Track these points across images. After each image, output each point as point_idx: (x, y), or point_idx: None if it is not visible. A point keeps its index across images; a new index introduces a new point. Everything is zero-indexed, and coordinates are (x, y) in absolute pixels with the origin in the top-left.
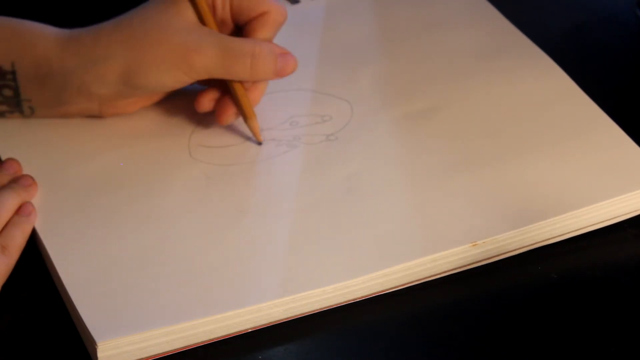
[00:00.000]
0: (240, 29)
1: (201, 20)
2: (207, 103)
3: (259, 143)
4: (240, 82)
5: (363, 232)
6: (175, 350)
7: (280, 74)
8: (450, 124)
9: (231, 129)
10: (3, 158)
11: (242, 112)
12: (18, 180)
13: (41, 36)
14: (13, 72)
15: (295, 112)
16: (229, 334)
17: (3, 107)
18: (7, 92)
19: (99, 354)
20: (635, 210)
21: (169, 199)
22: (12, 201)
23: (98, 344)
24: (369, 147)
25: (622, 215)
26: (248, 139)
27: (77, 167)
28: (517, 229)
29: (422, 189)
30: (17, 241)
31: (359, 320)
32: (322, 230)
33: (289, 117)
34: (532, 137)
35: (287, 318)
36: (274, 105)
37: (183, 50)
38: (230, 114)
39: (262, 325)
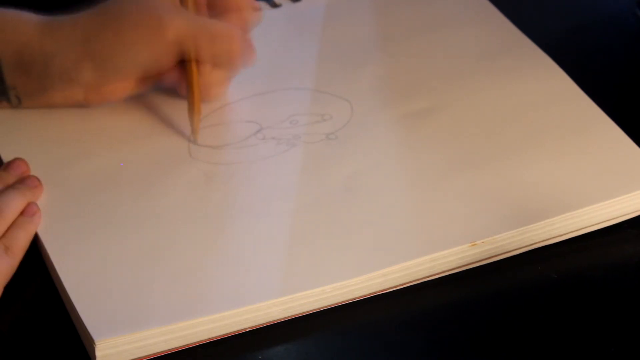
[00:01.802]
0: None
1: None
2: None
3: (194, 141)
4: (198, 65)
5: (362, 232)
6: (173, 349)
7: (240, 61)
8: (450, 123)
9: (231, 128)
10: (3, 156)
11: (189, 101)
12: (24, 181)
13: (23, 23)
14: None
15: (296, 111)
16: (228, 333)
17: None
18: None
19: (97, 353)
20: (635, 211)
21: (169, 198)
22: (17, 202)
23: (96, 343)
24: (369, 146)
25: (622, 215)
26: (248, 137)
27: (77, 166)
28: (516, 229)
29: (422, 189)
30: (21, 242)
31: (358, 319)
32: (321, 230)
33: (289, 115)
34: (532, 137)
35: (286, 317)
36: (274, 104)
37: (157, 25)
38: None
39: (261, 324)
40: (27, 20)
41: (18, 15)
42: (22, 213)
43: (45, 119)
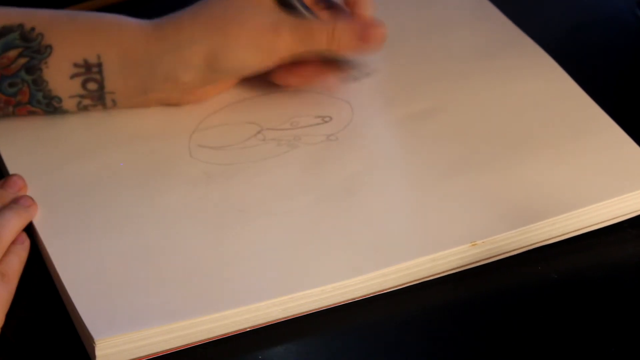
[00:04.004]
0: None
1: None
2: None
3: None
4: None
5: (362, 232)
6: (173, 349)
7: (365, 42)
8: (450, 124)
9: (232, 129)
10: (4, 156)
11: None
12: (18, 201)
13: (125, 27)
14: (99, 65)
15: (296, 113)
16: (228, 333)
17: (87, 101)
18: (92, 86)
19: (97, 352)
20: (635, 211)
21: (169, 198)
22: (14, 223)
23: (96, 342)
24: (369, 147)
25: (622, 215)
26: (248, 138)
27: (77, 166)
28: (516, 229)
29: (422, 189)
30: (15, 267)
31: (358, 319)
32: (321, 230)
33: (290, 117)
34: (533, 137)
35: (286, 317)
36: (275, 106)
37: (263, 31)
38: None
39: (261, 324)
40: (128, 23)
41: (118, 19)
42: (14, 241)
43: (47, 119)
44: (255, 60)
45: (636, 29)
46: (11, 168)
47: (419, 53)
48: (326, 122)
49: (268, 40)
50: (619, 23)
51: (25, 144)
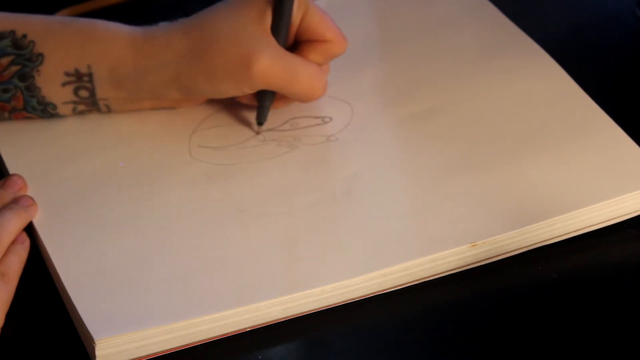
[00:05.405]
0: (296, 42)
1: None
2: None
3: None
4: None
5: (362, 232)
6: (173, 349)
7: (323, 93)
8: (450, 124)
9: (232, 130)
10: (4, 156)
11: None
12: (18, 201)
13: (116, 38)
14: (89, 75)
15: (296, 114)
16: (228, 333)
17: (81, 107)
18: (84, 93)
19: (97, 352)
20: (635, 211)
21: (169, 198)
22: (14, 223)
23: (96, 342)
24: (369, 148)
25: (622, 215)
26: (248, 139)
27: (77, 166)
28: (516, 229)
29: (422, 190)
30: (15, 267)
31: (358, 320)
32: (321, 230)
33: (290, 118)
34: (533, 137)
35: (286, 317)
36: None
37: (247, 63)
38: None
39: (261, 324)
40: (119, 33)
41: (110, 27)
42: (14, 241)
43: (46, 119)
44: (232, 90)
45: (636, 29)
46: (11, 168)
47: (419, 53)
48: (326, 122)
49: (249, 75)
50: (619, 23)
51: (25, 144)
